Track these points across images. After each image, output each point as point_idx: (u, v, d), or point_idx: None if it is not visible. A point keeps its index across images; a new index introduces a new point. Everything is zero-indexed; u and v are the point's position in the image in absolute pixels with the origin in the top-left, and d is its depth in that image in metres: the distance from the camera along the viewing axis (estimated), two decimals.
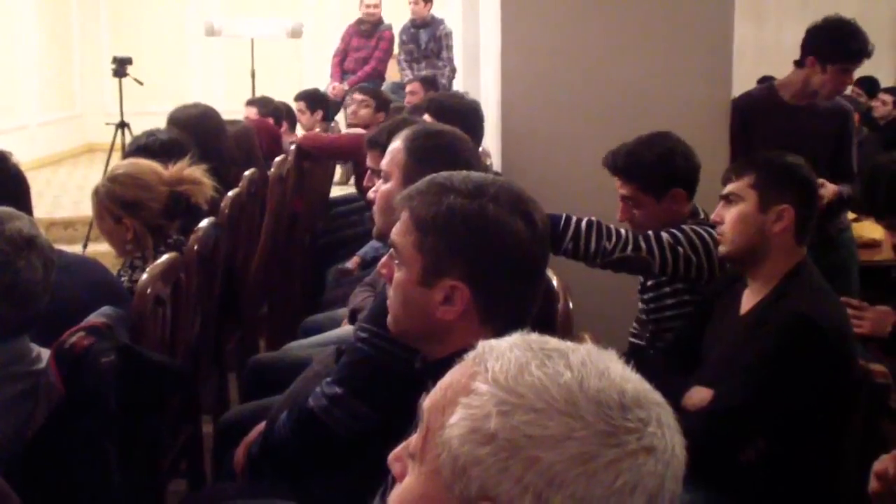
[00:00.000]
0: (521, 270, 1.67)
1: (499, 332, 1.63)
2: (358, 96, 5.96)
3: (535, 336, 1.02)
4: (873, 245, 4.62)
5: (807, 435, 2.38)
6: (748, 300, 2.62)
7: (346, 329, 3.37)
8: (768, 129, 4.03)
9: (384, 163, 2.40)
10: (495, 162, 4.39)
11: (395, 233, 1.71)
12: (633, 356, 3.00)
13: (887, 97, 7.86)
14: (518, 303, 1.68)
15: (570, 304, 2.25)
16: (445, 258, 1.64)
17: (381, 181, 2.41)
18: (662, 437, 0.93)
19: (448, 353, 1.65)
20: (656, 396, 0.98)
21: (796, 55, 4.14)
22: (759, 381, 2.37)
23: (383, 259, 1.80)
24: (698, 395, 2.52)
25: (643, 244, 2.82)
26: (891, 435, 2.20)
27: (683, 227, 2.91)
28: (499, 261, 1.64)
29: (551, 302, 2.24)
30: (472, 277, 1.63)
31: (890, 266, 4.00)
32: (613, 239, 2.80)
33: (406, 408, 1.87)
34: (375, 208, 2.44)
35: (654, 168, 2.97)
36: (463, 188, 1.66)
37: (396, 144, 2.37)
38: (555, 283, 2.29)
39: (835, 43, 3.94)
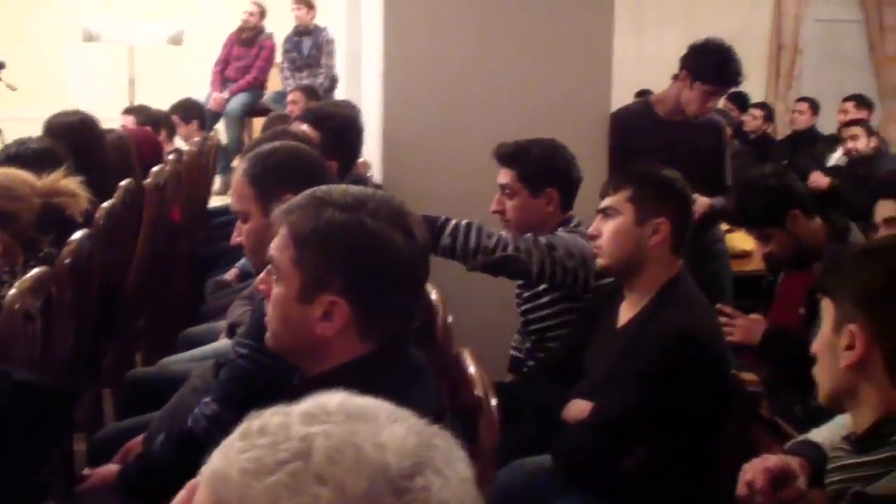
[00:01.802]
0: (400, 284, 1.66)
1: (379, 346, 1.64)
2: (291, 97, 6.00)
3: (266, 452, 0.87)
4: (745, 255, 4.75)
5: (684, 443, 2.43)
6: (626, 312, 2.67)
7: (225, 342, 3.31)
8: (644, 143, 4.12)
9: (234, 202, 2.36)
10: (376, 172, 4.38)
11: (273, 247, 1.68)
12: (514, 369, 3.05)
13: (757, 112, 8.12)
14: (398, 317, 1.68)
15: (450, 318, 2.25)
16: (324, 273, 1.62)
17: (240, 223, 2.37)
18: (445, 481, 0.86)
19: (327, 369, 1.64)
20: (424, 438, 0.88)
21: (676, 68, 4.26)
22: (638, 393, 2.41)
23: (261, 275, 1.77)
24: (578, 408, 2.56)
25: (522, 245, 2.86)
26: (762, 441, 2.26)
27: (559, 233, 2.96)
28: (378, 275, 1.62)
29: (431, 315, 2.25)
30: (351, 292, 1.61)
31: (761, 276, 4.11)
32: (494, 239, 2.86)
33: None
34: (246, 250, 2.41)
35: (537, 160, 3.05)
36: (342, 202, 1.64)
37: (239, 180, 2.34)
38: (434, 295, 2.29)
39: (710, 65, 4.07)
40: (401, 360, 1.68)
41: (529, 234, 2.95)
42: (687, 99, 4.13)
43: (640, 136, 4.15)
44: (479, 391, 1.78)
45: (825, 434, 1.87)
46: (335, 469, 0.83)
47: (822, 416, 2.57)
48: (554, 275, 2.91)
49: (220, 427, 2.11)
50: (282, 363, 1.85)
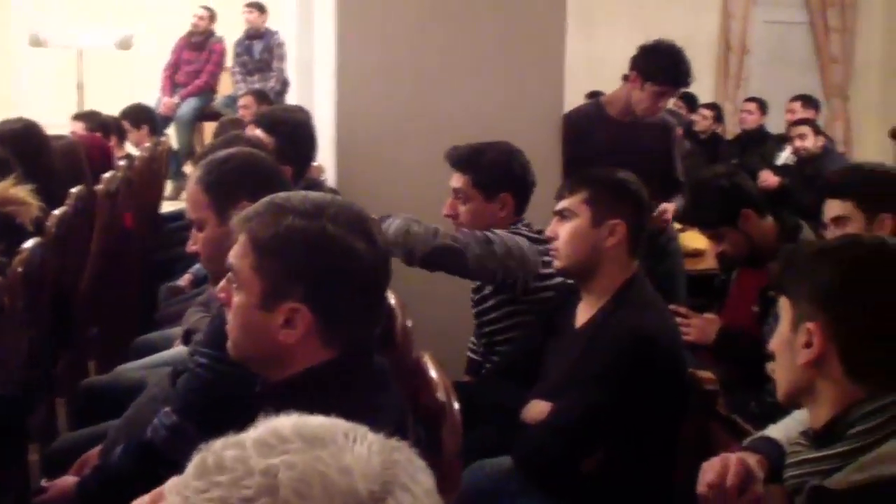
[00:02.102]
0: (362, 290, 1.65)
1: (342, 352, 1.63)
2: (243, 101, 5.97)
3: (228, 491, 0.85)
4: (697, 254, 4.80)
5: (643, 443, 2.45)
6: (583, 313, 2.68)
7: (180, 349, 3.28)
8: (597, 144, 4.15)
9: (190, 210, 2.34)
10: (330, 177, 4.37)
11: (233, 255, 1.67)
12: (471, 371, 3.05)
13: (707, 112, 8.21)
14: (360, 323, 1.68)
15: (409, 322, 2.25)
16: (285, 280, 1.61)
17: (196, 231, 2.35)
18: (413, 497, 0.86)
19: (290, 376, 1.64)
20: (386, 455, 0.87)
21: (625, 69, 4.29)
22: (597, 393, 2.43)
23: (221, 283, 1.75)
24: (537, 409, 2.57)
25: (460, 236, 2.87)
26: (720, 438, 2.28)
27: (497, 231, 2.96)
28: (340, 281, 1.62)
29: (390, 320, 2.24)
30: (313, 299, 1.60)
31: (714, 274, 4.15)
32: (432, 229, 2.85)
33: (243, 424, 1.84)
34: (202, 259, 2.39)
35: (491, 165, 3.04)
36: (301, 208, 1.63)
37: (193, 187, 2.32)
38: (392, 300, 2.29)
39: (660, 66, 4.11)
40: (365, 366, 1.67)
41: (466, 229, 2.95)
42: (637, 99, 4.17)
43: (593, 138, 4.18)
44: (441, 395, 1.78)
45: (782, 430, 1.89)
46: (305, 503, 0.82)
47: (777, 411, 2.61)
48: (495, 273, 2.91)
49: (180, 437, 2.10)
50: (242, 371, 1.83)
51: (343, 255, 1.61)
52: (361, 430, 0.89)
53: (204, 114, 8.30)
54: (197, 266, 4.51)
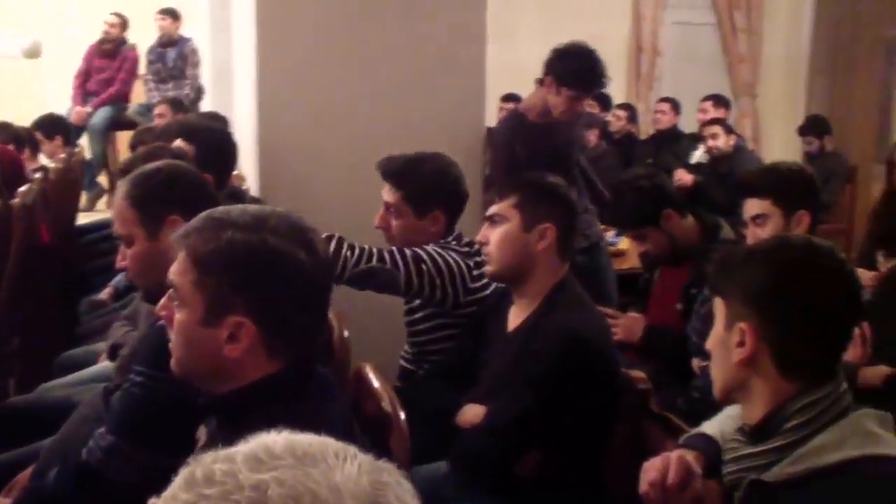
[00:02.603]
0: (306, 301, 1.65)
1: (287, 364, 1.63)
2: (158, 109, 6.03)
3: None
4: (620, 255, 4.88)
5: (578, 443, 2.48)
6: (515, 317, 2.71)
7: (106, 365, 3.23)
8: (526, 150, 4.21)
9: (117, 226, 2.31)
10: (252, 185, 4.34)
11: (174, 273, 1.65)
12: (402, 379, 3.05)
13: (621, 112, 8.31)
14: (305, 334, 1.68)
15: (346, 333, 2.26)
16: (228, 295, 1.60)
17: (124, 247, 2.32)
18: None
19: (237, 389, 1.63)
20: (374, 476, 0.88)
21: (538, 73, 4.34)
22: (531, 395, 2.45)
23: (162, 301, 1.73)
24: (472, 413, 2.59)
25: (387, 257, 2.86)
26: (654, 436, 2.32)
27: (426, 247, 2.96)
28: (284, 293, 1.62)
29: (327, 331, 2.24)
30: (257, 312, 1.60)
31: (637, 273, 4.23)
32: (357, 251, 2.84)
33: (189, 444, 1.82)
34: (132, 275, 2.35)
35: (425, 183, 3.01)
36: (241, 222, 1.62)
37: (120, 203, 2.29)
38: (329, 311, 2.29)
39: (574, 71, 4.16)
40: (310, 377, 1.68)
41: (395, 247, 2.94)
42: (554, 104, 4.22)
43: (521, 144, 4.23)
44: (386, 405, 1.79)
45: (716, 426, 1.93)
46: None
47: (703, 407, 2.67)
48: (422, 288, 2.89)
49: (116, 458, 2.05)
50: (180, 388, 1.81)
51: (286, 267, 1.61)
52: (351, 450, 0.90)
53: (117, 123, 8.15)
54: (118, 278, 4.44)
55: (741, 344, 1.65)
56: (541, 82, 4.31)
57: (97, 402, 2.44)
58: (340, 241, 2.86)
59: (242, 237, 1.61)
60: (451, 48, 4.05)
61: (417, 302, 3.05)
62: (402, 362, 3.27)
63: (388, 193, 3.04)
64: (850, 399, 1.62)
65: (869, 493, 1.45)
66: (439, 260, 2.91)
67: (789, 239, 1.84)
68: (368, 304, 2.96)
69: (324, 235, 2.78)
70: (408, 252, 2.90)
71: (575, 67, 4.15)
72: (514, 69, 6.72)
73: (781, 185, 3.08)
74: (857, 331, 2.77)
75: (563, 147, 4.36)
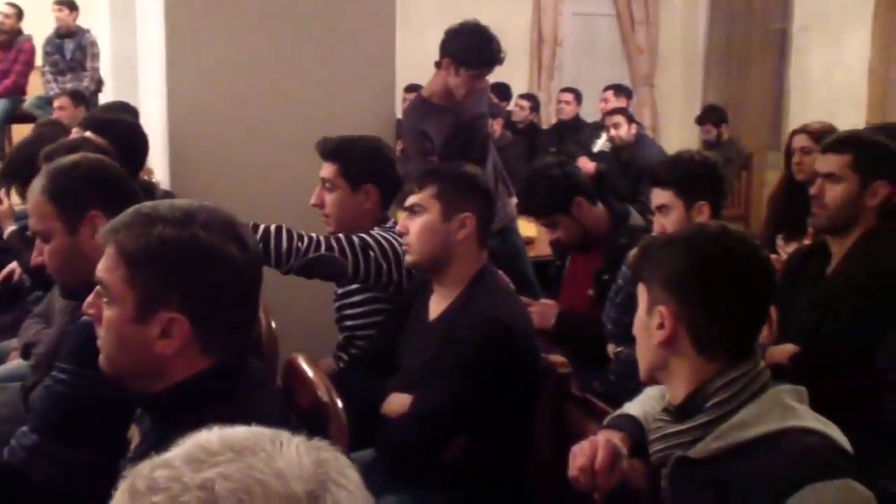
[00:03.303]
0: (238, 296, 1.65)
1: (221, 359, 1.63)
2: (58, 102, 5.87)
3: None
4: (530, 242, 4.96)
5: (502, 428, 2.53)
6: (436, 306, 2.74)
7: (17, 363, 3.17)
8: (439, 134, 4.25)
9: (34, 221, 2.27)
10: (162, 179, 4.29)
11: (102, 269, 1.63)
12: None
13: (524, 102, 8.41)
14: (237, 328, 1.67)
15: (274, 325, 2.26)
16: (160, 291, 1.58)
17: (41, 242, 2.28)
18: (348, 491, 0.89)
19: (171, 386, 1.62)
20: (315, 455, 0.90)
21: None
22: (456, 383, 2.48)
23: (89, 298, 1.70)
24: (398, 402, 2.61)
25: (335, 245, 2.88)
26: (575, 418, 2.39)
27: (371, 232, 3.00)
28: (216, 289, 1.61)
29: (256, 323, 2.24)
30: (189, 308, 1.59)
31: (547, 261, 4.31)
32: (305, 241, 2.85)
33: (116, 441, 1.81)
34: (51, 270, 2.31)
35: (360, 156, 3.08)
36: (171, 217, 1.61)
37: (38, 198, 2.25)
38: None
39: (470, 50, 4.19)
40: (244, 371, 1.68)
41: (342, 234, 2.98)
42: (455, 85, 4.25)
43: (433, 129, 4.27)
44: (322, 394, 1.80)
45: (638, 406, 2.00)
46: None
47: (620, 390, 2.76)
48: (368, 273, 2.94)
49: (40, 457, 2.00)
50: (107, 385, 1.78)
51: (217, 262, 1.60)
52: (285, 435, 0.92)
53: (14, 115, 7.94)
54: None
55: (661, 326, 1.72)
56: (438, 65, 4.32)
57: (14, 402, 2.39)
58: (289, 231, 2.86)
59: (173, 233, 1.59)
60: (361, 39, 4.06)
61: (356, 285, 3.08)
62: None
63: (324, 169, 3.11)
64: (768, 375, 1.70)
65: (788, 463, 1.52)
66: (385, 245, 2.95)
67: (706, 226, 1.91)
68: (294, 294, 2.96)
69: (272, 227, 2.80)
70: (355, 239, 2.94)
71: (470, 47, 4.18)
72: (415, 59, 6.73)
73: (683, 176, 3.17)
74: None
75: (470, 123, 4.41)
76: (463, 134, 4.31)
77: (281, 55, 3.96)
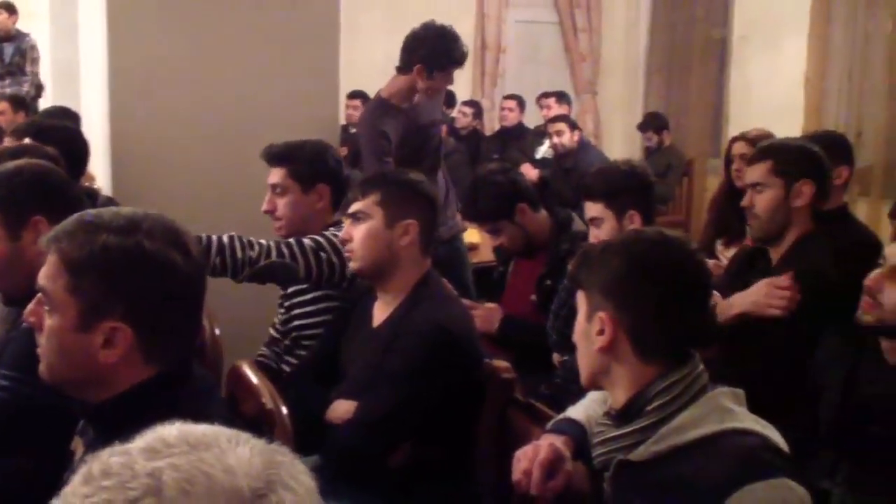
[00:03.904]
0: (182, 304, 1.64)
1: (165, 367, 1.62)
2: None
3: (114, 493, 0.86)
4: (473, 248, 4.98)
5: (448, 433, 2.55)
6: (380, 312, 2.75)
7: None
8: (395, 135, 4.26)
9: None
10: (104, 185, 4.25)
11: (44, 277, 1.61)
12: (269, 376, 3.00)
13: (467, 109, 8.45)
14: (181, 337, 1.66)
15: (218, 332, 2.25)
16: (103, 299, 1.57)
17: None
18: (296, 495, 0.90)
19: (115, 395, 1.61)
20: (268, 456, 0.91)
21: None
22: (401, 389, 2.50)
23: (30, 306, 1.68)
24: (342, 408, 2.61)
25: (286, 251, 2.88)
26: (520, 423, 2.40)
27: (324, 233, 3.00)
28: (160, 297, 1.60)
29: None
30: (133, 317, 1.57)
31: (490, 267, 4.34)
32: (257, 248, 2.85)
33: (58, 452, 1.80)
34: None
35: (308, 157, 3.10)
36: (115, 225, 1.59)
37: None
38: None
39: (441, 52, 4.19)
40: (188, 379, 1.67)
41: (293, 238, 2.97)
42: (426, 87, 4.23)
43: (392, 131, 4.28)
44: (267, 401, 1.80)
45: (581, 410, 2.02)
46: (189, 500, 0.84)
47: (565, 393, 2.79)
48: (321, 275, 2.95)
49: None
50: (49, 393, 1.75)
51: (162, 271, 1.59)
52: (244, 436, 0.93)
53: None
54: None
55: (601, 332, 1.75)
56: (400, 69, 4.32)
57: None
58: (240, 240, 2.85)
59: (117, 241, 1.58)
60: (305, 45, 4.06)
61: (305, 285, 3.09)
62: (262, 359, 3.25)
63: (273, 175, 3.11)
64: (706, 379, 1.73)
65: (727, 463, 1.56)
66: (338, 243, 2.95)
67: (643, 231, 1.95)
68: (239, 300, 2.95)
69: (225, 237, 2.79)
70: (307, 241, 2.94)
71: (440, 49, 4.18)
72: (359, 66, 6.73)
73: (611, 188, 3.22)
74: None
75: (426, 128, 4.43)
76: (417, 138, 4.32)
77: (224, 61, 3.95)
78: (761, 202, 2.99)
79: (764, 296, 2.80)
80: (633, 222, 3.18)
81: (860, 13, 7.23)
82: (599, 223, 3.20)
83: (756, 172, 3.02)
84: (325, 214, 3.13)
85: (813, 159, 3.03)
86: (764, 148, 3.13)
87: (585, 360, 1.82)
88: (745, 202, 3.05)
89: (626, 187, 3.23)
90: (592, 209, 3.23)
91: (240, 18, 3.96)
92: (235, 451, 0.90)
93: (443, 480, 2.55)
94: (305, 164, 3.09)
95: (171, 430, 0.92)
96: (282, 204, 3.09)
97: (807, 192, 2.97)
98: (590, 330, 1.78)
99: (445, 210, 4.53)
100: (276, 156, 3.11)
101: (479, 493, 2.55)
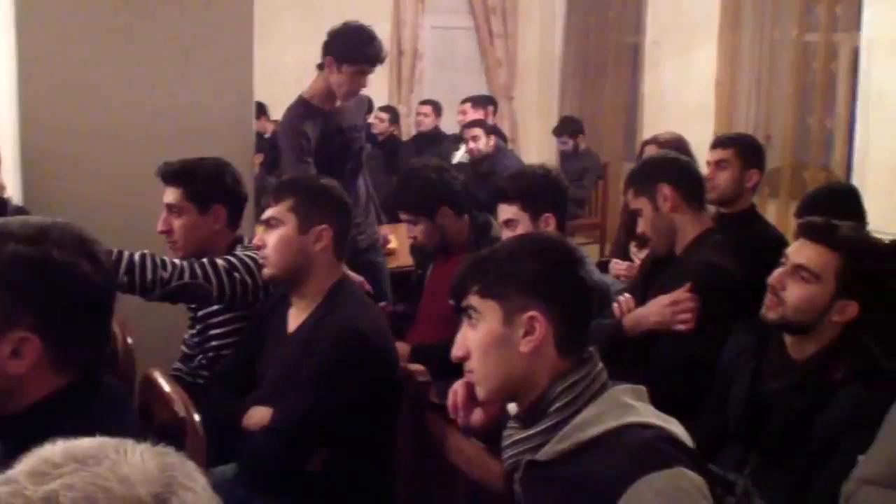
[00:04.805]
0: (91, 313, 1.62)
1: (74, 378, 1.60)
2: None
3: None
4: (390, 253, 4.99)
5: (364, 438, 2.56)
6: (295, 318, 2.75)
7: None
8: (316, 136, 4.26)
9: None
10: (14, 194, 4.16)
11: None
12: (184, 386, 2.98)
13: (384, 115, 8.43)
14: (91, 346, 1.64)
15: (130, 341, 2.23)
16: (11, 310, 1.54)
17: None
18: (195, 494, 0.92)
19: (22, 409, 1.58)
20: (160, 460, 0.92)
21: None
22: (317, 394, 2.51)
23: None
24: (258, 415, 2.61)
25: (199, 271, 2.86)
26: (436, 426, 2.42)
27: (236, 253, 2.99)
28: (69, 307, 1.58)
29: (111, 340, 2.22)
30: (42, 327, 1.55)
31: (409, 271, 4.35)
32: (169, 268, 2.82)
33: None
34: None
35: (204, 177, 3.06)
36: (23, 234, 1.57)
37: None
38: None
39: (351, 45, 4.21)
40: (98, 389, 1.66)
41: (206, 258, 2.95)
42: (337, 83, 4.25)
43: (311, 132, 4.27)
44: (179, 409, 1.79)
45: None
46: None
47: None
48: (234, 295, 2.94)
49: None
50: None
51: (71, 281, 1.57)
52: (129, 443, 0.93)
53: None
54: None
55: (528, 333, 1.73)
56: (320, 67, 4.33)
57: None
58: (153, 259, 2.82)
59: (25, 251, 1.55)
60: (218, 53, 4.02)
61: (217, 307, 3.07)
62: (175, 373, 3.22)
63: (168, 194, 3.06)
64: (606, 377, 1.76)
65: (625, 456, 1.58)
66: (250, 263, 2.95)
67: (542, 232, 1.98)
68: (150, 308, 2.92)
69: (137, 255, 2.76)
70: (219, 262, 2.93)
71: (351, 43, 4.21)
72: (273, 72, 6.69)
73: (528, 190, 3.28)
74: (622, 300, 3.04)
75: (347, 132, 4.44)
76: (338, 141, 4.32)
77: (137, 69, 3.90)
78: (643, 224, 3.15)
79: (669, 314, 2.87)
80: (549, 225, 3.23)
81: (767, 20, 7.42)
82: (515, 225, 3.24)
83: (630, 199, 3.19)
84: (222, 234, 3.10)
85: (663, 163, 3.20)
86: (628, 177, 3.28)
87: (502, 369, 1.77)
88: (639, 229, 3.21)
89: (542, 190, 3.29)
90: (507, 211, 3.27)
91: (152, 24, 3.91)
92: (127, 459, 0.90)
93: (360, 485, 2.56)
94: (201, 184, 3.05)
95: (53, 450, 0.91)
96: (178, 225, 3.05)
97: (668, 194, 3.06)
98: (511, 335, 1.74)
99: (366, 217, 4.55)
100: (171, 175, 3.06)
101: (398, 498, 2.56)
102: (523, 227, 3.21)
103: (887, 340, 2.49)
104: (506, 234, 3.27)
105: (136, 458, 0.90)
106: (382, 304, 3.74)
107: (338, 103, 4.35)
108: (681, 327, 2.84)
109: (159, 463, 0.91)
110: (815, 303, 2.42)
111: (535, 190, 3.27)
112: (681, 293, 2.86)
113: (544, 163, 3.89)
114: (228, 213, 3.10)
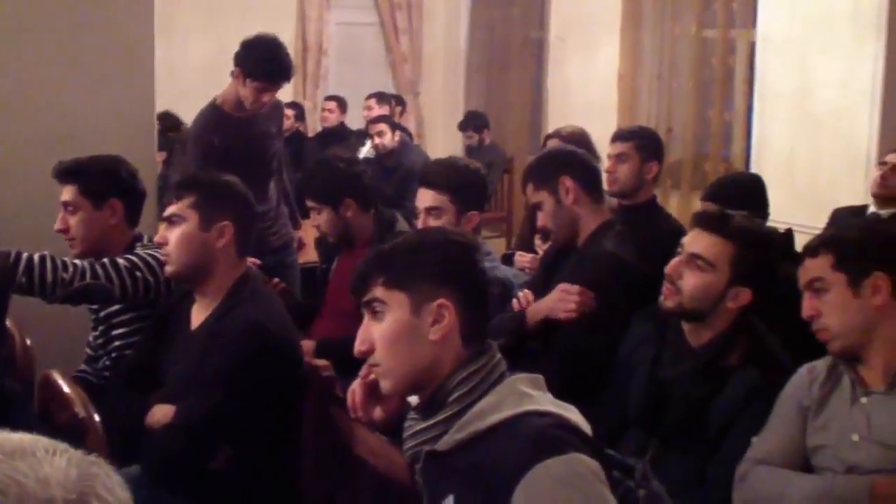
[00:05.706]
0: None
1: None
2: None
3: None
4: (299, 248, 4.97)
5: (269, 435, 2.55)
6: (198, 315, 2.73)
7: None
8: (224, 142, 4.22)
9: None
10: None
11: None
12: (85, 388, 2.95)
13: (289, 111, 8.33)
14: None
15: (29, 341, 2.20)
16: None
17: None
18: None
19: None
20: (83, 468, 0.92)
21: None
22: (220, 390, 2.49)
23: None
24: (161, 413, 2.58)
25: (101, 271, 2.83)
26: (342, 421, 2.42)
27: (137, 251, 2.96)
28: None
29: (10, 341, 2.18)
30: None
31: (315, 266, 4.34)
32: (70, 270, 2.79)
33: None
34: None
35: (98, 173, 3.05)
36: None
37: None
38: (8, 322, 2.22)
39: (258, 62, 4.19)
40: None
41: (107, 259, 2.92)
42: (243, 95, 4.24)
43: (220, 138, 4.24)
44: (79, 409, 1.77)
45: None
46: None
47: None
48: (137, 293, 2.93)
49: None
50: None
51: None
52: (62, 446, 0.93)
53: None
54: None
55: (437, 321, 1.74)
56: (232, 74, 4.30)
57: None
58: (53, 260, 2.78)
59: None
60: (118, 50, 3.96)
61: (118, 307, 3.04)
62: (80, 374, 3.17)
63: (64, 193, 3.04)
64: (504, 366, 1.79)
65: (522, 443, 1.60)
66: (152, 262, 2.93)
67: (441, 227, 2.00)
68: (49, 308, 2.87)
69: (36, 257, 2.71)
70: (121, 261, 2.90)
71: (259, 60, 4.18)
72: (177, 72, 6.60)
73: (461, 183, 3.29)
74: (521, 295, 3.07)
75: (259, 140, 4.41)
76: (247, 148, 4.29)
77: (36, 68, 3.82)
78: (543, 218, 3.14)
79: (558, 301, 2.91)
80: (471, 223, 3.27)
81: (667, 17, 7.56)
82: (439, 214, 3.24)
83: (530, 194, 3.18)
84: (121, 230, 3.08)
85: (563, 156, 3.24)
86: (525, 171, 3.28)
87: (409, 360, 1.78)
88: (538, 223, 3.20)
89: (474, 185, 3.32)
90: (434, 199, 3.25)
91: (52, 22, 3.83)
92: (52, 461, 0.90)
93: (266, 482, 2.55)
94: (96, 179, 3.04)
95: None
96: (74, 222, 3.03)
97: (570, 186, 3.10)
98: (419, 324, 1.75)
99: (277, 218, 4.55)
100: (65, 173, 3.04)
101: (304, 494, 2.56)
102: (447, 219, 3.22)
103: (778, 326, 2.58)
104: (424, 220, 3.27)
105: (61, 461, 0.90)
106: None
107: (248, 109, 4.32)
108: (567, 315, 2.88)
109: (82, 471, 0.91)
110: (710, 290, 2.49)
111: (468, 185, 3.30)
112: (571, 285, 2.91)
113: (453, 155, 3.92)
114: (126, 209, 3.07)
